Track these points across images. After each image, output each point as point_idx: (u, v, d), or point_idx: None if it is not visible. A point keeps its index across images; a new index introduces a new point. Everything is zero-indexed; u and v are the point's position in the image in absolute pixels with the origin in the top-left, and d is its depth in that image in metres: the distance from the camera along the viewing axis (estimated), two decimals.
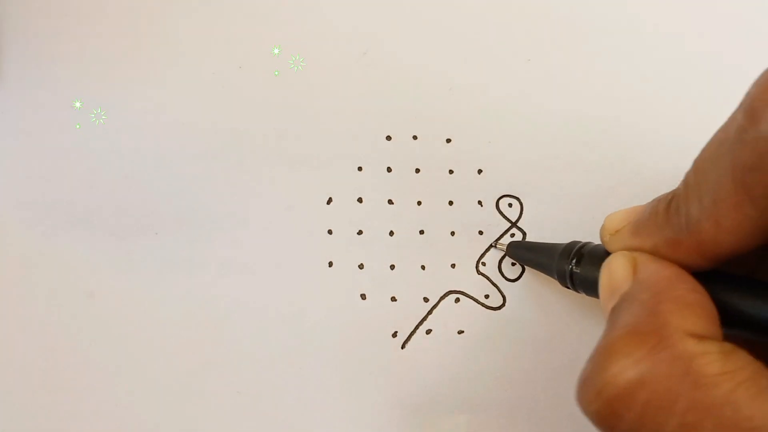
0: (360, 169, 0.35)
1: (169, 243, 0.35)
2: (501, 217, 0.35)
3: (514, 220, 0.35)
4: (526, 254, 0.34)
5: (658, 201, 0.25)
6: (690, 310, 0.22)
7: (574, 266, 0.29)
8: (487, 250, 0.35)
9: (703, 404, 0.20)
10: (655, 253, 0.25)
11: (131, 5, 0.36)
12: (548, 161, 0.35)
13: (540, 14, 0.36)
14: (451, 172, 0.35)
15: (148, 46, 0.36)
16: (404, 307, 0.34)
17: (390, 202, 0.35)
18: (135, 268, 0.34)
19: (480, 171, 0.35)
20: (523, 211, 0.35)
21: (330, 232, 0.35)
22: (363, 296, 0.34)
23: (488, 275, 0.35)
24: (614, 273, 0.25)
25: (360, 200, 0.35)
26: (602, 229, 0.28)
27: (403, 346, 0.34)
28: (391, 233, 0.35)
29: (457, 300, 0.34)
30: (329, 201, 0.35)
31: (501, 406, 0.33)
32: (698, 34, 0.36)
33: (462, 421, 0.33)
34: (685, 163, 0.34)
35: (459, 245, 0.35)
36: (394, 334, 0.34)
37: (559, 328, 0.34)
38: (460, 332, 0.34)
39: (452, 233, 0.35)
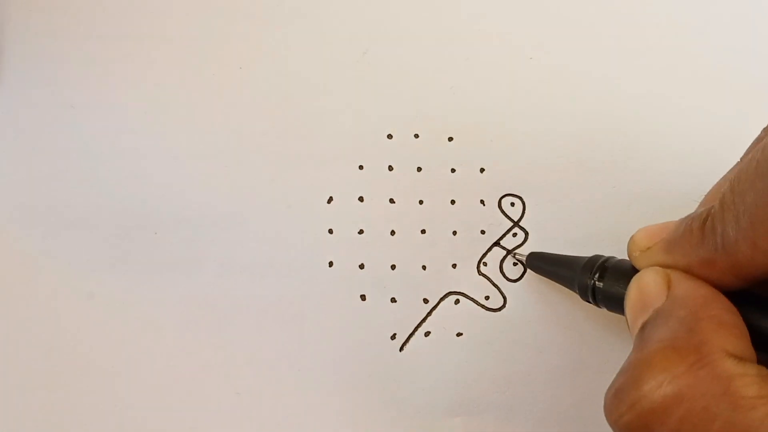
0: (361, 167, 0.35)
1: (169, 243, 0.35)
2: (503, 217, 0.35)
3: (516, 219, 0.35)
4: (546, 266, 0.33)
5: (692, 219, 0.25)
6: (728, 330, 0.22)
7: (597, 280, 0.29)
8: (489, 249, 0.35)
9: (740, 426, 0.20)
10: (688, 272, 0.25)
11: (131, 5, 0.36)
12: (551, 160, 0.35)
13: (542, 12, 0.36)
14: (452, 170, 0.35)
15: (148, 47, 0.36)
16: (404, 308, 0.34)
17: (391, 201, 0.35)
18: (135, 268, 0.34)
19: (482, 170, 0.35)
20: (526, 210, 0.35)
21: (331, 231, 0.35)
22: (363, 297, 0.34)
23: (489, 276, 0.34)
24: (646, 288, 0.25)
25: (361, 199, 0.35)
26: (631, 244, 0.27)
27: (401, 349, 0.34)
28: (393, 233, 0.35)
29: (457, 301, 0.34)
30: (330, 200, 0.35)
31: (499, 409, 0.33)
32: (703, 30, 0.36)
33: (458, 423, 0.33)
34: (689, 163, 0.35)
35: (460, 245, 0.35)
36: (393, 336, 0.34)
37: (559, 330, 0.34)
38: (459, 334, 0.34)
39: (454, 232, 0.35)
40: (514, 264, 0.34)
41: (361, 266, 0.34)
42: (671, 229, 0.26)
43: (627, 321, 0.26)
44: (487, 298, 0.34)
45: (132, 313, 0.34)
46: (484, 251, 0.35)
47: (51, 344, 0.34)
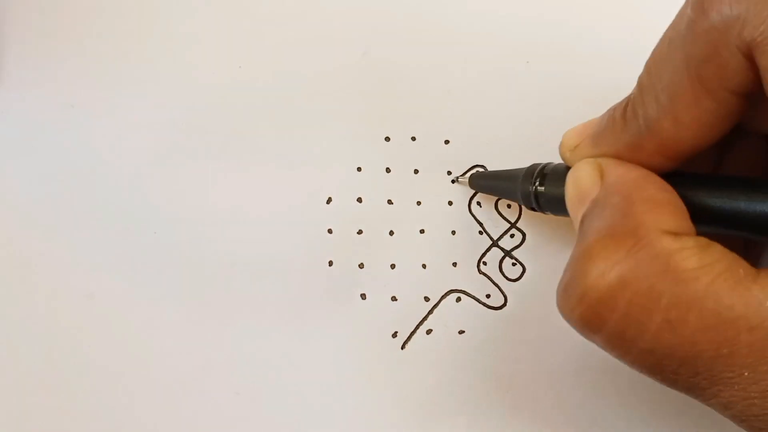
0: (359, 169, 0.35)
1: (168, 242, 0.35)
2: (500, 218, 0.35)
3: (513, 221, 0.35)
4: (490, 183, 0.34)
5: (613, 109, 0.25)
6: (662, 209, 0.23)
7: (537, 186, 0.29)
8: (488, 249, 0.35)
9: (685, 299, 0.21)
10: (618, 159, 0.25)
11: (131, 5, 0.36)
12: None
13: (539, 17, 0.36)
14: (449, 173, 0.35)
15: (148, 46, 0.36)
16: (405, 306, 0.34)
17: (389, 202, 0.35)
18: (135, 268, 0.34)
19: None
20: (522, 212, 0.35)
21: (330, 231, 0.35)
22: (363, 296, 0.34)
23: (489, 275, 0.35)
24: (581, 180, 0.25)
25: (359, 200, 0.35)
26: (561, 146, 0.28)
27: (403, 347, 0.34)
28: (391, 233, 0.35)
29: (459, 299, 0.34)
30: (329, 201, 0.35)
31: (501, 407, 0.33)
32: None
33: (461, 422, 0.33)
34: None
35: (460, 245, 0.35)
36: (394, 335, 0.34)
37: (561, 329, 0.34)
38: (461, 332, 0.34)
39: (453, 232, 0.35)
40: (513, 264, 0.35)
41: (361, 265, 0.35)
42: (596, 123, 0.26)
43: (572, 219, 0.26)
44: (488, 296, 0.34)
45: (132, 313, 0.34)
46: (483, 251, 0.35)
47: (51, 344, 0.34)
